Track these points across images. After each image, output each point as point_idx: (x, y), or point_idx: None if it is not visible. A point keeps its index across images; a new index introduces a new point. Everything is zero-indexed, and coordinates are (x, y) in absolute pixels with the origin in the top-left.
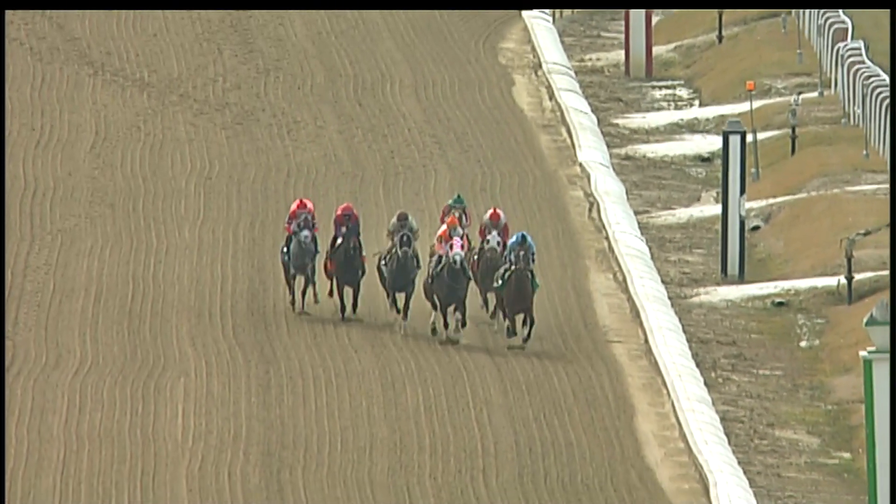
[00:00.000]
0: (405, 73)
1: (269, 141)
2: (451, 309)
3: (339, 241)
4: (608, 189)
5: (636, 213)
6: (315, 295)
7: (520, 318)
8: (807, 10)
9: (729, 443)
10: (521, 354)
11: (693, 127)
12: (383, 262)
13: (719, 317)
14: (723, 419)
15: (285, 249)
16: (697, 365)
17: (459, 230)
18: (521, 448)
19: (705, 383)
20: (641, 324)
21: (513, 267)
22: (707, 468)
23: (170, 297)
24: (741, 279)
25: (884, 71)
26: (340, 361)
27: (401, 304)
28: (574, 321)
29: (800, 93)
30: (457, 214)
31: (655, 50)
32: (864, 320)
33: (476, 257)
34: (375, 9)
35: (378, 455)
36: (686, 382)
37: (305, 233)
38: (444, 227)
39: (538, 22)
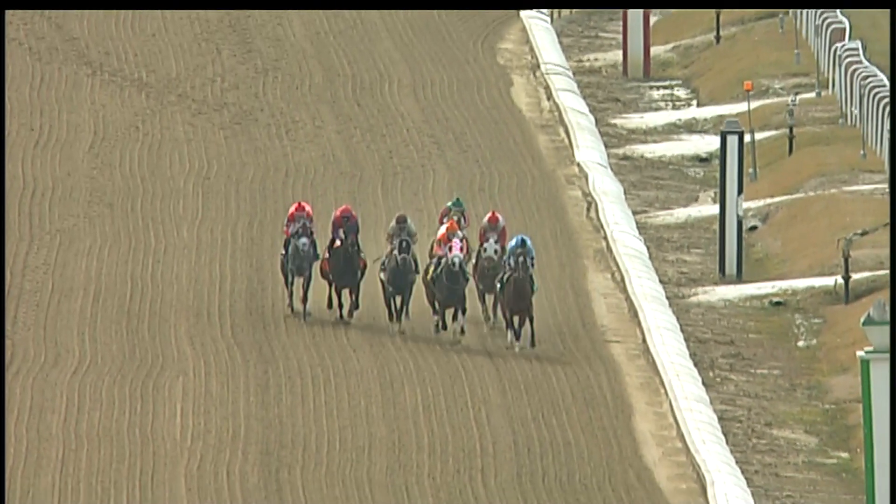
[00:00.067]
0: (403, 73)
1: (268, 141)
2: (449, 311)
3: (338, 242)
4: (606, 189)
5: (634, 212)
6: (305, 300)
7: (517, 318)
8: (804, 11)
9: (727, 442)
10: (519, 354)
11: (691, 127)
12: (382, 268)
13: (717, 316)
14: (720, 418)
15: (284, 252)
16: (695, 364)
17: (459, 233)
18: (519, 447)
19: (703, 383)
20: (639, 323)
21: (513, 274)
22: (705, 467)
23: (168, 296)
24: (739, 279)
25: (881, 71)
26: (339, 361)
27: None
28: (572, 321)
29: (797, 93)
30: (456, 218)
31: (653, 50)
32: (862, 320)
33: (475, 263)
34: (374, 9)
35: (377, 454)
36: (684, 382)
37: (304, 240)
38: (444, 230)
39: (536, 22)
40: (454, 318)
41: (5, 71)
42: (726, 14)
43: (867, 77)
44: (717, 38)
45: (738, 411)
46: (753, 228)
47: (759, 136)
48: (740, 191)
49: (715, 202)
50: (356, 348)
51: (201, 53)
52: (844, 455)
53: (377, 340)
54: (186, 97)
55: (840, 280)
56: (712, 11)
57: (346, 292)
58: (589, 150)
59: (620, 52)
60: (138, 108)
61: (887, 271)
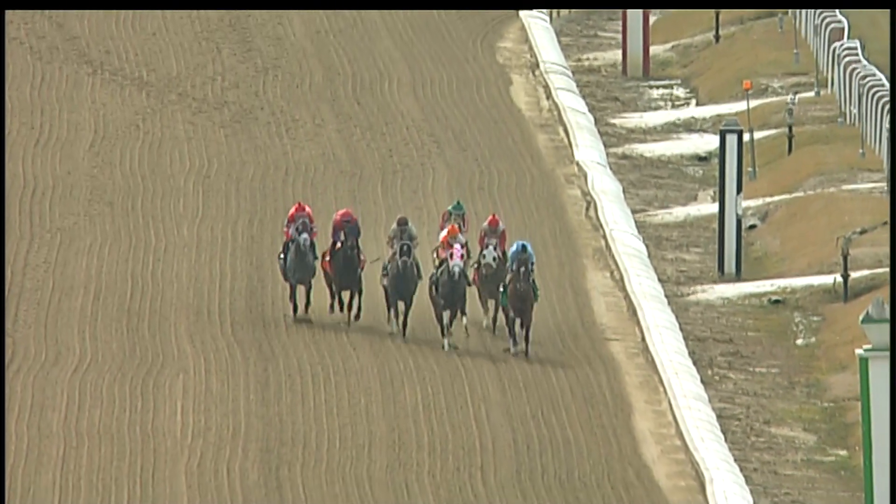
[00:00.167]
0: (403, 71)
1: (268, 139)
2: (447, 314)
3: (338, 245)
4: (605, 188)
5: (633, 211)
6: (308, 299)
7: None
8: (803, 10)
9: (725, 440)
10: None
11: (690, 126)
12: (384, 273)
13: (716, 315)
14: (719, 416)
15: (283, 256)
16: (694, 363)
17: (461, 238)
18: (518, 445)
19: (702, 381)
20: (638, 322)
21: (515, 282)
22: (703, 465)
23: (168, 294)
24: (738, 277)
25: (880, 70)
26: (339, 359)
27: (400, 314)
28: (571, 319)
29: (796, 92)
30: (457, 224)
31: (652, 49)
32: (861, 318)
33: (475, 268)
34: (374, 9)
35: (377, 452)
36: (683, 380)
37: (304, 236)
38: (445, 233)
39: (535, 21)
40: (452, 318)
41: (6, 70)
42: (725, 13)
43: (866, 76)
44: (717, 37)
45: (736, 409)
46: (752, 227)
47: (758, 135)
48: (739, 189)
49: (714, 201)
50: (356, 347)
51: (201, 52)
52: (843, 453)
53: (377, 339)
54: (187, 96)
55: (839, 278)
56: (711, 11)
57: (346, 294)
58: (588, 149)
59: (620, 52)
60: (139, 107)
61: (886, 269)
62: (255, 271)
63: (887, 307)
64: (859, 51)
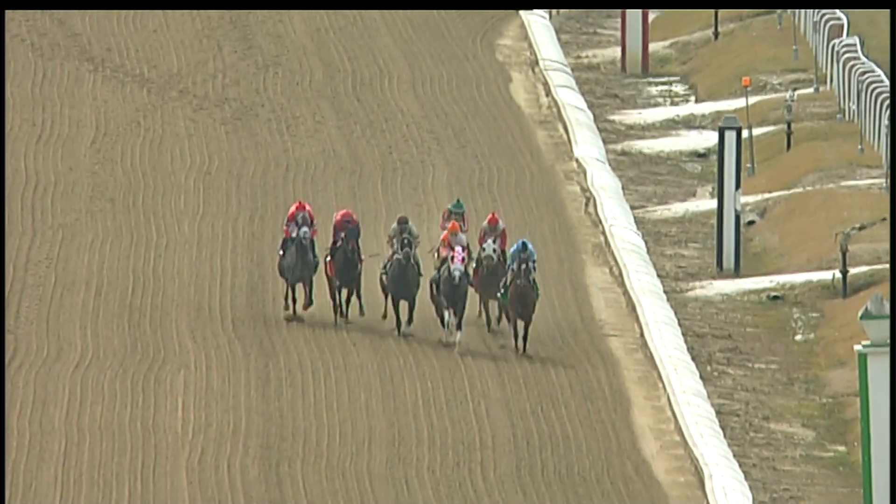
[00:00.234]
0: (403, 69)
1: (269, 136)
2: (449, 312)
3: (338, 244)
4: (604, 184)
5: (632, 207)
6: (310, 296)
7: (520, 324)
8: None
9: (724, 436)
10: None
11: (689, 123)
12: (384, 270)
13: (715, 311)
14: (718, 412)
15: (282, 253)
16: (693, 358)
17: (462, 237)
18: (518, 441)
19: (701, 377)
20: (637, 318)
21: (515, 280)
22: (702, 461)
23: (169, 291)
24: (737, 273)
25: (879, 67)
26: (339, 355)
27: (402, 314)
28: (571, 315)
29: (795, 89)
30: (459, 223)
31: (652, 46)
32: (859, 314)
33: (475, 266)
34: (375, 9)
35: (377, 448)
36: (682, 376)
37: (305, 229)
38: (446, 232)
39: (535, 19)
40: (458, 316)
41: (8, 67)
42: (724, 10)
43: (865, 73)
44: (716, 34)
45: (735, 405)
46: (751, 223)
47: (756, 131)
48: (738, 186)
49: (713, 197)
50: (356, 343)
51: (202, 49)
52: (842, 448)
53: (377, 335)
54: (188, 93)
55: (838, 274)
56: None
57: (345, 292)
58: (587, 145)
59: (619, 49)
60: (140, 104)
61: (885, 265)
62: (255, 268)
63: (886, 303)
64: (858, 48)
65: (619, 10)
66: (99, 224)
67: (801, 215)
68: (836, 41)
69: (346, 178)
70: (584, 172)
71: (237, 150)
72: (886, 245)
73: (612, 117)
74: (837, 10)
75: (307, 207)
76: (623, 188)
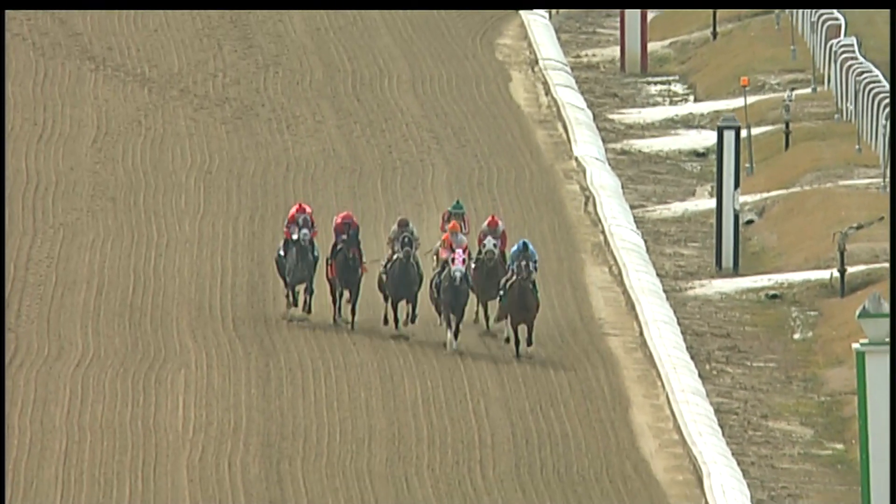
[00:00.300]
0: (403, 68)
1: (269, 135)
2: (452, 317)
3: (339, 247)
4: (604, 183)
5: (631, 207)
6: (310, 304)
7: (520, 328)
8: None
9: (723, 434)
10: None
11: (688, 122)
12: (384, 269)
13: (714, 309)
14: (717, 411)
15: (282, 253)
16: (692, 357)
17: (462, 238)
18: (517, 439)
19: (699, 375)
20: (637, 316)
21: (515, 277)
22: (701, 459)
23: (170, 289)
24: (735, 272)
25: (877, 67)
26: (339, 354)
27: (402, 315)
28: (570, 314)
29: (793, 88)
30: (459, 224)
31: (650, 46)
32: (857, 313)
33: (474, 265)
34: (374, 9)
35: (377, 446)
36: (680, 374)
37: (305, 231)
38: (447, 233)
39: (534, 18)
40: (459, 320)
41: (9, 66)
42: (723, 10)
43: (862, 73)
44: (714, 34)
45: (734, 403)
46: (750, 222)
47: (755, 131)
48: (737, 185)
49: (712, 196)
50: (356, 341)
51: (203, 49)
52: (840, 446)
53: (377, 334)
54: (188, 92)
55: (836, 273)
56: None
57: (347, 293)
58: (587, 144)
59: (618, 48)
60: (141, 103)
61: (882, 264)
62: (256, 267)
63: (884, 302)
64: (856, 48)
65: (618, 10)
66: (100, 223)
67: (799, 215)
68: (834, 41)
69: (346, 177)
70: (584, 171)
71: (237, 149)
72: (884, 244)
73: (611, 116)
74: (835, 11)
75: (307, 209)
76: (622, 187)
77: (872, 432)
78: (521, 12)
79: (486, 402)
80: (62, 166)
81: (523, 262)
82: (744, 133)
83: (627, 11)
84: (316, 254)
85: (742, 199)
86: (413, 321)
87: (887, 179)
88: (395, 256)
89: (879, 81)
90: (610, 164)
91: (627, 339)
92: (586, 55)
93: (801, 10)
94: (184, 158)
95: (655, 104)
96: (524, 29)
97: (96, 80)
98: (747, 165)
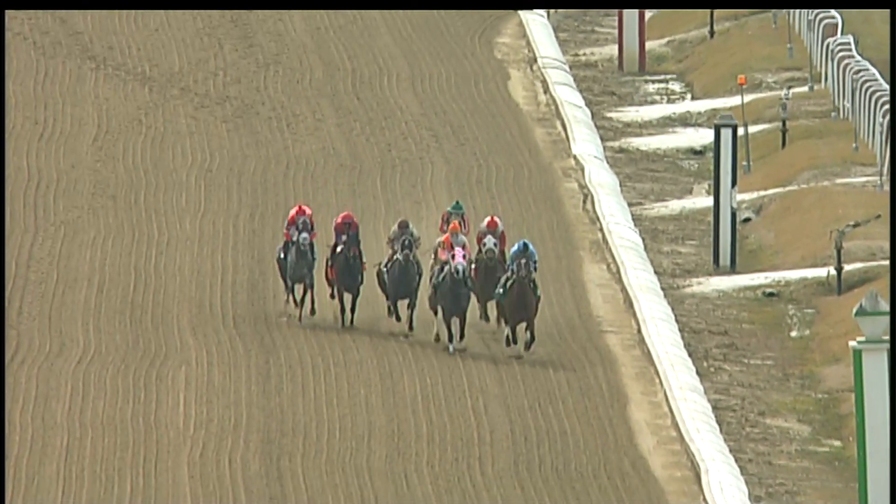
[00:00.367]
0: (402, 67)
1: (269, 134)
2: (453, 319)
3: (339, 248)
4: (602, 181)
5: (629, 204)
6: (312, 304)
7: (520, 326)
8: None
9: (720, 431)
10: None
11: (685, 120)
12: (385, 269)
13: (711, 307)
14: (714, 408)
15: (282, 255)
16: (690, 354)
17: (462, 237)
18: (516, 436)
19: (697, 372)
20: (635, 314)
21: (514, 277)
22: (699, 456)
23: (171, 287)
24: (733, 270)
25: (873, 65)
26: (339, 351)
27: (403, 313)
28: (568, 312)
29: (790, 87)
30: (456, 221)
31: (648, 45)
32: (854, 311)
33: (474, 265)
34: (375, 9)
35: (376, 443)
36: (678, 372)
37: (304, 235)
38: (447, 233)
39: (533, 17)
40: (452, 327)
41: (11, 65)
42: (720, 9)
43: (859, 71)
44: (711, 32)
45: (731, 401)
46: (747, 220)
47: (752, 129)
48: (734, 183)
49: (709, 194)
50: (356, 339)
51: (203, 48)
52: (837, 443)
53: (376, 331)
54: (189, 91)
55: (832, 271)
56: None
57: (348, 296)
58: (585, 142)
59: (616, 47)
60: (141, 102)
61: (879, 262)
62: (256, 265)
63: (881, 300)
64: (853, 46)
65: (615, 9)
66: (101, 221)
67: (796, 213)
68: (831, 40)
69: (346, 175)
70: (582, 169)
71: (238, 147)
72: (881, 242)
73: (609, 115)
74: (832, 9)
75: (307, 211)
76: (620, 185)
77: (869, 429)
78: (520, 11)
79: (485, 399)
80: (63, 164)
81: (523, 262)
82: (741, 131)
83: (625, 11)
84: (315, 255)
85: (739, 197)
86: (411, 327)
87: (884, 177)
88: (395, 257)
89: (876, 80)
90: (608, 162)
91: (625, 336)
92: (584, 54)
93: (798, 9)
94: (184, 157)
95: (653, 102)
96: (523, 28)
97: (97, 79)
98: (744, 163)
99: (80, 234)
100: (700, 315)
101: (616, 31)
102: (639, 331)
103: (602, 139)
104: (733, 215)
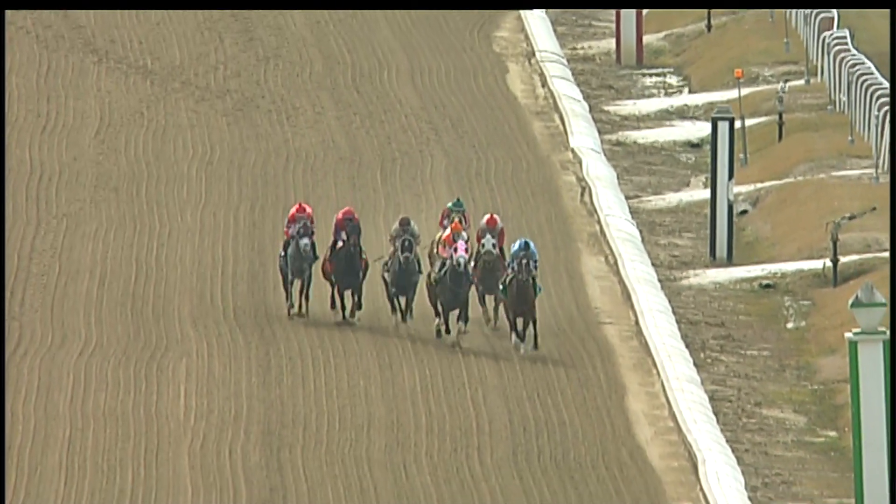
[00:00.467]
0: (402, 60)
1: (269, 127)
2: (452, 314)
3: (340, 244)
4: (600, 174)
5: (627, 197)
6: (307, 304)
7: (520, 320)
8: None
9: (717, 421)
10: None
11: (682, 113)
12: (385, 269)
13: (708, 299)
14: (711, 398)
15: (283, 254)
16: (687, 346)
17: (464, 234)
18: (514, 427)
19: (694, 363)
20: (632, 305)
21: (516, 276)
22: (696, 446)
23: (172, 279)
24: (729, 262)
25: (869, 59)
26: (339, 343)
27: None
28: (566, 303)
29: (787, 80)
30: (457, 219)
31: (646, 38)
32: (850, 302)
33: (474, 263)
34: (375, 9)
35: (375, 433)
36: (675, 363)
37: (305, 240)
38: (447, 231)
39: (531, 11)
40: (457, 319)
41: (14, 58)
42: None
43: (855, 65)
44: (709, 26)
45: (728, 391)
46: (744, 212)
47: (749, 122)
48: (731, 176)
49: (706, 187)
50: (355, 330)
51: (204, 42)
52: (832, 434)
53: (376, 323)
54: (190, 84)
55: (828, 263)
56: None
57: (348, 293)
58: (583, 136)
59: (614, 41)
60: (143, 95)
61: (875, 254)
62: (256, 256)
63: (876, 292)
64: (849, 40)
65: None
66: (103, 213)
67: (792, 205)
68: (827, 34)
69: (346, 168)
70: (580, 162)
71: (238, 140)
72: (876, 234)
73: (607, 108)
74: (832, 9)
75: (308, 210)
76: (618, 178)
77: (865, 420)
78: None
79: (484, 390)
80: (65, 157)
81: (524, 261)
82: (738, 124)
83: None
84: (316, 255)
85: (736, 189)
86: (407, 317)
87: (880, 170)
88: (396, 255)
89: (872, 73)
90: (605, 155)
91: (623, 327)
92: (582, 47)
93: (796, 9)
94: (185, 149)
95: (650, 96)
96: (521, 22)
97: (99, 73)
98: (741, 156)
99: (81, 226)
100: (697, 306)
101: (613, 25)
102: (636, 322)
103: (600, 132)
104: (730, 208)
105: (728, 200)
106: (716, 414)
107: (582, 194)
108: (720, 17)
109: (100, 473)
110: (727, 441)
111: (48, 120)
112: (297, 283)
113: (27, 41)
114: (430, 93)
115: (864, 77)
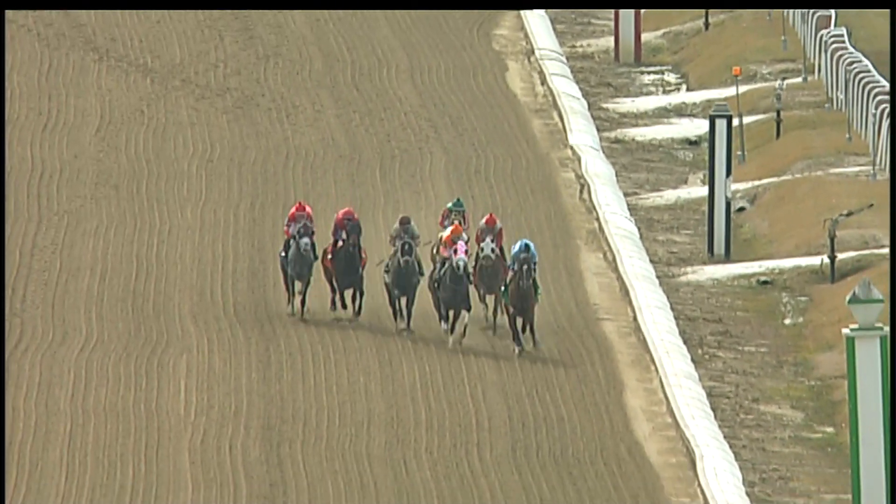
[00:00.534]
0: (401, 58)
1: (269, 125)
2: (452, 312)
3: (340, 244)
4: (598, 171)
5: (625, 194)
6: (303, 303)
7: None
8: None
9: (715, 417)
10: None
11: (681, 111)
12: (385, 271)
13: (706, 295)
14: (709, 394)
15: (283, 253)
16: (685, 342)
17: (465, 236)
18: (513, 423)
19: (692, 360)
20: (630, 302)
21: (516, 279)
22: (694, 442)
23: (172, 276)
24: (727, 259)
25: (866, 57)
26: (339, 339)
27: (402, 309)
28: (565, 300)
29: (784, 78)
30: (457, 221)
31: (644, 36)
32: (847, 298)
33: (474, 264)
34: (375, 8)
35: (375, 429)
36: (673, 359)
37: (305, 240)
38: (448, 232)
39: (530, 10)
40: (456, 317)
41: (15, 56)
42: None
43: (852, 63)
44: (706, 24)
45: (726, 387)
46: (741, 209)
47: (747, 119)
48: (729, 173)
49: (704, 184)
50: (355, 327)
51: (204, 40)
52: (830, 430)
53: (375, 319)
54: (190, 82)
55: (826, 259)
56: None
57: (348, 293)
58: (582, 133)
59: (612, 39)
60: (143, 93)
61: (872, 251)
62: (256, 253)
63: (874, 288)
64: (846, 38)
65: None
66: (103, 210)
67: (790, 202)
68: (824, 32)
69: (345, 165)
70: (579, 160)
71: (238, 138)
72: (873, 231)
73: (605, 105)
74: (831, 9)
75: (307, 209)
76: (616, 175)
77: (862, 416)
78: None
79: (484, 386)
80: (66, 155)
81: (524, 266)
82: (736, 122)
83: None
84: (316, 255)
85: (734, 186)
86: (408, 321)
87: (877, 167)
88: (396, 256)
89: (869, 71)
90: (604, 153)
91: (621, 324)
92: (581, 45)
93: (795, 9)
94: (185, 147)
95: (649, 93)
96: (520, 20)
97: (100, 71)
98: (739, 153)
99: (82, 223)
100: (695, 303)
101: (612, 23)
102: (634, 319)
103: (598, 130)
104: (728, 205)
105: (726, 197)
106: (714, 410)
107: (581, 191)
108: (718, 15)
109: (100, 469)
110: (725, 437)
111: (49, 118)
112: (297, 285)
113: (28, 39)
114: (430, 91)
115: (862, 75)
